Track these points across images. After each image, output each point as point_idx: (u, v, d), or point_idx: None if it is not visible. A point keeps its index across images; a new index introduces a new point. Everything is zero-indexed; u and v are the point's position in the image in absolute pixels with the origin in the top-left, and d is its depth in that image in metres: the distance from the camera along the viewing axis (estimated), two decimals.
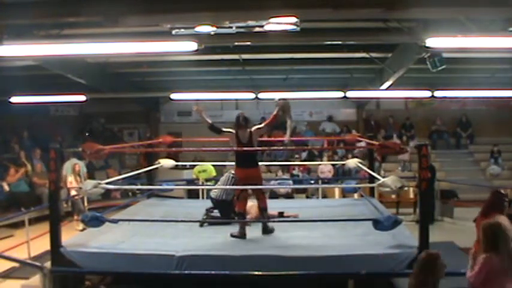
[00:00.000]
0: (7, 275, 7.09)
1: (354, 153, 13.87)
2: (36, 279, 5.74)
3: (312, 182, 13.91)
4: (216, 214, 7.58)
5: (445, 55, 9.21)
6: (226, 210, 7.49)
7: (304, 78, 14.32)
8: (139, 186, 11.15)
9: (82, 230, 8.26)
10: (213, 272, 5.43)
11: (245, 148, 6.67)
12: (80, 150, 7.76)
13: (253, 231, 6.85)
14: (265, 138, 14.79)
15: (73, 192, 10.99)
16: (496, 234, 4.19)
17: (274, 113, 6.94)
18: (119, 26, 7.34)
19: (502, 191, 5.85)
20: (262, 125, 6.94)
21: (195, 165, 12.75)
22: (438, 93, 13.30)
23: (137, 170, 9.72)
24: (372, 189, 9.28)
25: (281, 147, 13.29)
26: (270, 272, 5.39)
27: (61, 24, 7.98)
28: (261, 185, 7.03)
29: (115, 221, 6.40)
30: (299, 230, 6.82)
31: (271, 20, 7.44)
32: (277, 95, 7.88)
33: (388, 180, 6.26)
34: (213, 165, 12.57)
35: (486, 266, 4.07)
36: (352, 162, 10.12)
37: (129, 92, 14.94)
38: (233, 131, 6.81)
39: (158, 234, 6.62)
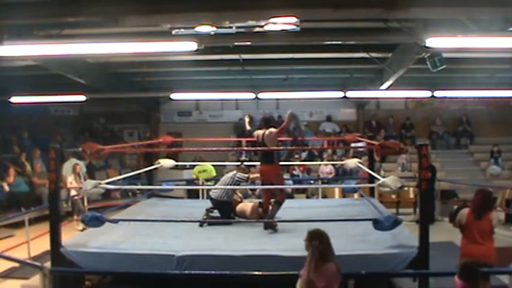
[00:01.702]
0: (7, 275, 7.08)
1: (352, 153, 13.87)
2: (36, 279, 5.74)
3: (312, 182, 13.90)
4: (216, 214, 7.59)
5: (445, 55, 9.22)
6: (226, 211, 7.50)
7: (304, 78, 14.33)
8: (139, 186, 11.15)
9: (82, 230, 8.27)
10: (213, 272, 5.43)
11: (245, 148, 6.80)
12: (80, 150, 7.76)
13: (253, 231, 6.86)
14: None
15: (73, 192, 10.99)
16: (330, 243, 4.23)
17: (283, 124, 7.22)
18: (119, 26, 7.36)
19: (490, 190, 5.90)
20: (274, 131, 7.10)
21: (195, 165, 12.75)
22: (438, 93, 13.30)
23: (137, 170, 9.72)
24: (372, 189, 9.28)
25: (281, 147, 13.28)
26: (270, 272, 5.39)
27: (61, 24, 7.98)
28: (275, 181, 7.13)
29: (115, 221, 6.40)
30: (299, 230, 6.81)
31: (271, 20, 7.45)
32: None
33: (388, 180, 6.26)
34: (213, 165, 12.57)
35: (334, 275, 4.11)
36: (352, 162, 10.11)
37: (129, 92, 14.94)
38: (259, 132, 7.30)
39: (158, 234, 6.62)
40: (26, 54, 8.12)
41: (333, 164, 13.81)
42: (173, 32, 7.79)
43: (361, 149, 13.09)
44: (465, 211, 5.65)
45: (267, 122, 7.23)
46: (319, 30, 9.03)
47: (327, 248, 4.20)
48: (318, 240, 4.22)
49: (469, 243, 5.51)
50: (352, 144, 12.30)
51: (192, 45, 7.25)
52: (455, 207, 6.10)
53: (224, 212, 7.50)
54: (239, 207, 7.71)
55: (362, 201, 9.34)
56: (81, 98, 13.22)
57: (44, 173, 12.42)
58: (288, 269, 5.44)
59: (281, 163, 13.37)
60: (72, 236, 7.19)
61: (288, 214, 7.77)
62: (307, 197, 12.84)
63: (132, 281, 5.93)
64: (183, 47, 7.35)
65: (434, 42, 7.22)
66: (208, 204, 7.77)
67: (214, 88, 14.33)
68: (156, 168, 9.72)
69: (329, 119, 16.57)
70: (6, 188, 11.67)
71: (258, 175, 8.66)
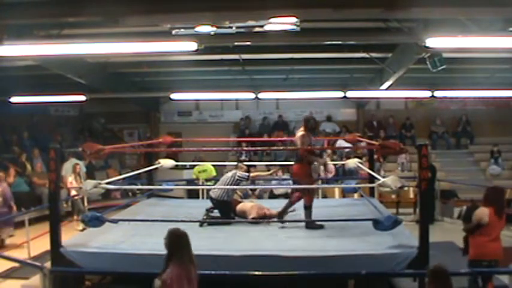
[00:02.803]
0: (7, 275, 7.09)
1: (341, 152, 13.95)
2: (36, 279, 5.73)
3: None
4: (216, 214, 7.59)
5: (445, 55, 9.22)
6: (227, 210, 7.50)
7: (304, 78, 14.34)
8: (139, 186, 11.15)
9: (82, 230, 8.27)
10: (213, 272, 5.43)
11: (245, 148, 6.78)
12: (80, 150, 7.77)
13: (253, 231, 6.86)
14: (265, 138, 14.90)
15: (73, 192, 10.99)
16: (179, 243, 4.22)
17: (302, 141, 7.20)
18: (119, 26, 7.36)
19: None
20: (300, 134, 7.21)
21: (195, 165, 12.74)
22: (438, 93, 13.30)
23: (137, 170, 9.72)
24: (372, 189, 9.28)
25: (281, 147, 13.30)
26: (270, 272, 5.39)
27: (61, 24, 7.98)
28: (302, 180, 7.22)
29: (115, 221, 6.41)
30: (299, 230, 6.82)
31: (271, 20, 7.45)
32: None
33: (388, 180, 6.26)
34: (213, 165, 12.57)
35: (172, 278, 4.05)
36: (352, 162, 10.11)
37: (129, 92, 14.95)
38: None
39: (158, 234, 6.58)
40: (26, 54, 8.12)
41: (334, 164, 13.81)
42: (173, 32, 7.79)
43: (347, 150, 13.12)
44: (484, 210, 5.60)
45: (304, 123, 7.32)
46: (319, 30, 9.03)
47: (175, 249, 4.16)
48: (167, 239, 4.23)
49: (489, 241, 5.53)
50: (337, 145, 12.43)
51: (192, 45, 7.24)
52: (464, 207, 6.09)
53: (224, 211, 7.49)
54: (239, 207, 7.71)
55: (362, 201, 9.34)
56: (81, 98, 13.21)
57: (44, 173, 12.41)
58: (287, 269, 5.46)
59: (281, 163, 13.59)
60: (72, 236, 7.19)
61: (287, 214, 7.78)
62: None
63: (132, 281, 5.93)
64: (183, 47, 7.35)
65: (434, 42, 7.22)
66: (208, 204, 7.77)
67: (214, 88, 14.33)
68: (156, 168, 9.73)
69: (329, 119, 16.56)
70: None
71: (258, 174, 8.75)
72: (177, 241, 4.21)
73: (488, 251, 5.53)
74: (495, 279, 5.93)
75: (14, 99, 13.03)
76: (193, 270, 4.15)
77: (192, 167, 12.92)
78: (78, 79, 11.82)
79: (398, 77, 11.56)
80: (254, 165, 12.85)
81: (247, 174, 7.71)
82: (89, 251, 5.92)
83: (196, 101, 16.86)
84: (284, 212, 7.30)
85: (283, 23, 7.71)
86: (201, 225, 7.19)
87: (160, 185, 11.50)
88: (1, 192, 9.37)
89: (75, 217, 10.66)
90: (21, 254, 7.68)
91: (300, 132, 7.26)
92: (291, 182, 13.37)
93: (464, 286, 5.61)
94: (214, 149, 13.01)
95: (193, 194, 12.11)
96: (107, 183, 6.71)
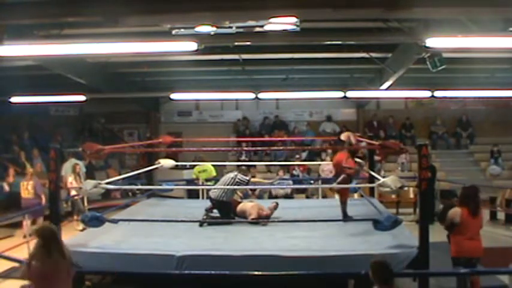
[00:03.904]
0: (7, 275, 7.08)
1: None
2: None
3: (312, 182, 13.90)
4: (215, 214, 7.59)
5: (445, 55, 9.22)
6: (226, 210, 7.50)
7: (304, 78, 14.34)
8: (139, 186, 11.15)
9: (82, 230, 8.27)
10: (213, 272, 5.43)
11: (245, 148, 6.76)
12: (80, 150, 7.77)
13: (253, 231, 6.86)
14: (266, 138, 14.88)
15: (73, 192, 10.99)
16: (51, 237, 4.22)
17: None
18: (119, 26, 7.36)
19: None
20: (353, 138, 7.89)
21: (195, 165, 12.74)
22: (438, 93, 13.30)
23: (137, 170, 9.72)
24: (372, 189, 9.28)
25: (281, 147, 13.32)
26: (270, 272, 5.39)
27: (61, 24, 7.99)
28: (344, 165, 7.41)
29: (115, 221, 6.40)
30: (299, 230, 6.82)
31: (271, 20, 7.44)
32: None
33: (388, 180, 6.26)
34: (213, 165, 12.58)
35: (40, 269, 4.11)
36: None
37: (129, 92, 14.94)
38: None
39: (158, 234, 6.62)
40: (26, 54, 8.11)
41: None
42: (173, 32, 7.78)
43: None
44: (456, 211, 5.74)
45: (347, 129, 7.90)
46: (319, 30, 9.03)
47: (42, 244, 4.18)
48: (35, 235, 4.25)
49: (466, 240, 5.64)
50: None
51: (192, 45, 7.23)
52: (441, 206, 6.14)
53: (223, 211, 7.50)
54: (239, 207, 7.71)
55: (362, 201, 9.34)
56: (81, 98, 13.22)
57: (43, 173, 12.41)
58: (287, 269, 5.46)
59: (281, 163, 13.60)
60: (72, 236, 7.19)
61: (288, 214, 7.79)
62: (307, 197, 12.85)
63: (132, 281, 5.93)
64: (183, 47, 7.34)
65: (434, 42, 7.21)
66: (208, 204, 7.77)
67: (214, 88, 14.33)
68: (156, 168, 9.72)
69: (329, 119, 16.56)
70: (6, 188, 11.66)
71: (259, 180, 8.79)
72: (44, 236, 4.22)
73: (465, 248, 5.64)
74: (495, 279, 5.94)
75: (14, 99, 13.03)
76: (64, 264, 4.20)
77: (192, 167, 12.91)
78: (78, 79, 11.82)
79: (398, 77, 11.56)
80: (254, 165, 12.85)
81: (247, 178, 7.73)
82: (89, 251, 5.93)
83: (196, 101, 16.86)
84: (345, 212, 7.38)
85: (283, 23, 7.69)
86: (201, 225, 7.20)
87: (160, 185, 11.49)
88: (33, 185, 10.34)
89: (75, 217, 10.67)
90: (21, 254, 7.66)
91: (347, 132, 7.88)
92: (291, 182, 13.46)
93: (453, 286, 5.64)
94: (214, 149, 13.01)
95: (193, 194, 12.11)
96: (107, 183, 6.72)
